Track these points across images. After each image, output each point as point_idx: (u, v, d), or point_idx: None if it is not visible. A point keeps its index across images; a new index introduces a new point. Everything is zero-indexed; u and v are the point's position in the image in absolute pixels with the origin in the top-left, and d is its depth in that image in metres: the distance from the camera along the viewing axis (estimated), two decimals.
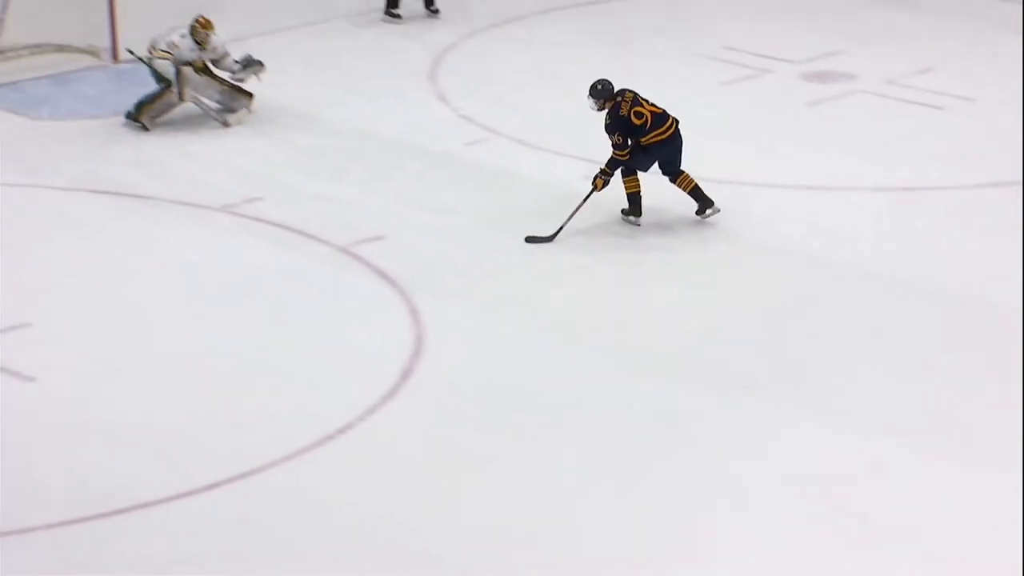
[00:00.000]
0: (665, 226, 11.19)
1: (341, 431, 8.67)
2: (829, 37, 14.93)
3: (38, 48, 13.82)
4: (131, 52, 13.16)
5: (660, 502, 8.14)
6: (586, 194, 11.04)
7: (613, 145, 10.95)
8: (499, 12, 15.55)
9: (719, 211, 11.13)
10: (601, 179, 11.03)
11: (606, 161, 11.04)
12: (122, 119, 12.82)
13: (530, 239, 10.85)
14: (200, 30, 12.84)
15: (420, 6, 15.47)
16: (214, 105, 12.87)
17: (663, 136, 11.00)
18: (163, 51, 12.79)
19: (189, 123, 12.88)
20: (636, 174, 11.08)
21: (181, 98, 12.82)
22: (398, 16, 15.38)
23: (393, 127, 12.86)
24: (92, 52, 14.07)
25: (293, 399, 9.02)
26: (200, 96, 12.85)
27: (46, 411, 8.83)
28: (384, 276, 10.38)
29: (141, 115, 12.72)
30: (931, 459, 8.47)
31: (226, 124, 12.86)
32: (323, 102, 13.29)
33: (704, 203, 11.14)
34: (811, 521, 7.98)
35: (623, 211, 11.18)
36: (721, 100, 13.66)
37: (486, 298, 10.21)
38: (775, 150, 12.62)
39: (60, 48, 13.93)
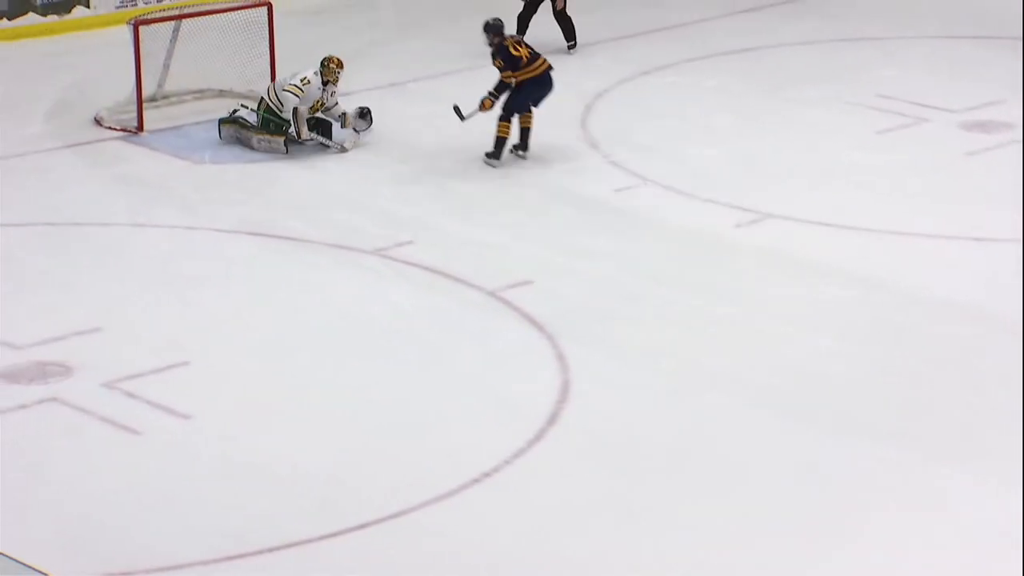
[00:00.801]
0: (812, 276, 11.10)
1: (487, 475, 8.72)
2: (987, 86, 14.69)
3: (200, 93, 14.17)
4: (243, 107, 13.37)
5: (810, 556, 8.06)
6: (475, 109, 12.81)
7: (499, 70, 12.94)
8: (651, 59, 15.59)
9: (524, 158, 12.83)
10: (489, 100, 12.88)
11: (494, 85, 12.87)
12: (279, 162, 13.07)
13: (456, 109, 12.89)
14: (334, 68, 13.09)
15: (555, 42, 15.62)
16: (324, 140, 13.14)
17: (535, 73, 12.90)
18: (293, 86, 13.05)
19: (344, 166, 13.11)
20: (510, 121, 12.89)
21: (299, 136, 13.10)
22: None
23: (544, 173, 12.94)
24: (252, 98, 14.39)
25: (440, 442, 9.10)
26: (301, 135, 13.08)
27: (200, 449, 9.02)
28: (532, 321, 10.44)
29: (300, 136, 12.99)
30: None
31: (340, 150, 13.12)
32: (475, 147, 13.42)
33: (524, 144, 12.96)
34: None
35: (487, 153, 12.87)
36: (877, 149, 13.52)
37: (634, 346, 10.20)
38: (932, 200, 12.44)
39: (221, 94, 14.27)
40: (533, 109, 12.99)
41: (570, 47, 15.71)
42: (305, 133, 13.17)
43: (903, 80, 14.95)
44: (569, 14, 15.74)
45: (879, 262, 11.26)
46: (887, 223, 11.90)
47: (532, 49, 13.08)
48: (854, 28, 16.57)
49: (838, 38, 16.27)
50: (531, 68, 12.95)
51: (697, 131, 13.92)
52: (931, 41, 16.24)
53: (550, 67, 13.00)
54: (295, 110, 13.12)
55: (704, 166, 13.10)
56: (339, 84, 13.26)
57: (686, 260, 11.39)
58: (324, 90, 13.21)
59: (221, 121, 13.40)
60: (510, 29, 15.30)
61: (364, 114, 13.43)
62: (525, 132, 13.02)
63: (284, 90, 13.18)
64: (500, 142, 12.93)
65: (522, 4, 15.70)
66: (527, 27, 15.62)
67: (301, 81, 13.15)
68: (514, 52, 12.89)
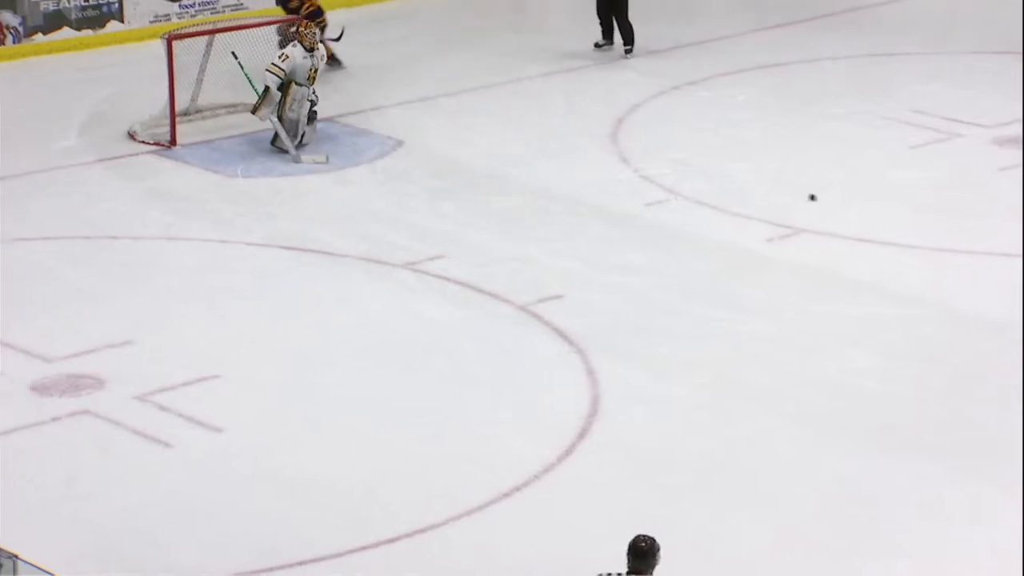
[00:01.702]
0: (850, 292, 11.06)
1: (517, 489, 8.71)
2: (1020, 101, 14.61)
3: (233, 108, 14.23)
4: (235, 55, 13.60)
5: (844, 572, 8.02)
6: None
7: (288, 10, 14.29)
8: (684, 73, 15.57)
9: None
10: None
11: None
12: (311, 176, 13.12)
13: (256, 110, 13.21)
14: (305, 32, 13.32)
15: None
16: (284, 134, 13.24)
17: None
18: (276, 66, 13.24)
19: (376, 180, 13.13)
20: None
21: (254, 112, 13.34)
22: (607, 46, 15.75)
23: (575, 187, 12.94)
24: None
25: (470, 456, 9.09)
26: (284, 118, 13.23)
27: (231, 462, 9.04)
28: (563, 335, 10.43)
29: (300, 158, 13.16)
30: None
31: (295, 160, 13.20)
32: (507, 161, 13.43)
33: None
34: None
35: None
36: (910, 164, 13.46)
37: (665, 360, 10.18)
38: (966, 215, 12.37)
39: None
40: None
41: (627, 51, 15.72)
42: (264, 113, 13.27)
43: (936, 95, 14.89)
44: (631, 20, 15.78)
45: (913, 277, 11.21)
46: (920, 238, 11.85)
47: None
48: (886, 43, 16.52)
49: (870, 53, 16.22)
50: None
51: (729, 145, 13.90)
52: (963, 56, 16.17)
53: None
54: (266, 88, 13.26)
55: (736, 181, 13.07)
56: (321, 48, 13.44)
57: (718, 275, 11.36)
58: (311, 57, 13.32)
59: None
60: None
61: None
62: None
63: (266, 70, 13.34)
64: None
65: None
66: (612, 29, 15.72)
67: (280, 58, 13.30)
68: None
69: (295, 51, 13.35)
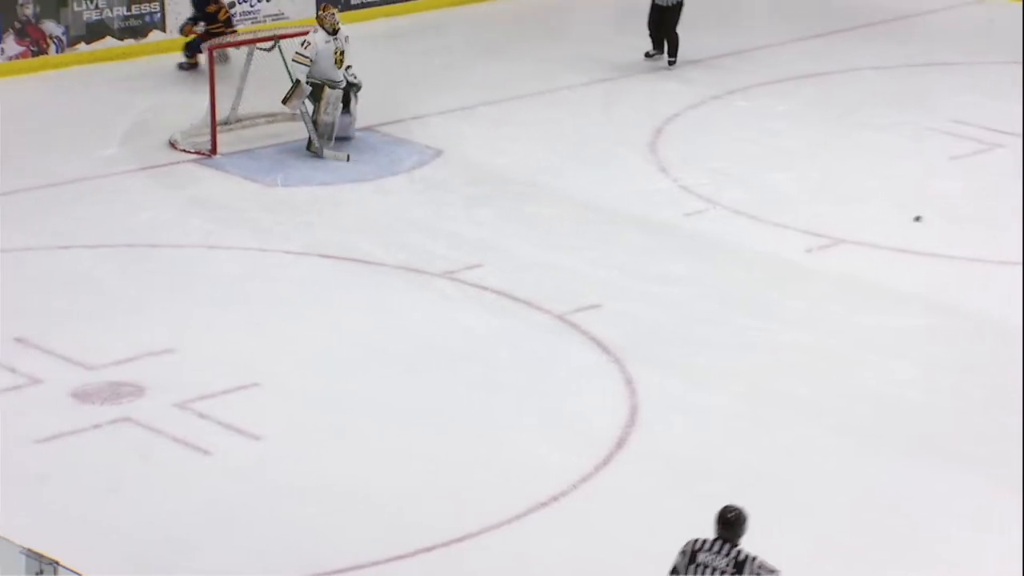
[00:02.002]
0: (890, 302, 11.02)
1: (554, 499, 8.71)
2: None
3: (272, 117, 14.29)
4: (280, 49, 13.69)
5: None
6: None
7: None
8: (723, 83, 15.55)
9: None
10: (189, 25, 14.96)
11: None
12: (350, 184, 13.17)
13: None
14: (324, 15, 13.45)
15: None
16: (312, 127, 13.37)
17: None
18: (300, 54, 13.39)
19: (415, 189, 13.16)
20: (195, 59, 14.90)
21: (284, 103, 13.42)
22: (657, 55, 15.77)
23: (613, 196, 12.94)
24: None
25: (507, 465, 9.10)
26: (319, 121, 13.39)
27: (270, 470, 9.07)
28: (600, 345, 10.42)
29: (324, 155, 13.33)
30: None
31: (318, 153, 13.37)
32: (545, 170, 13.44)
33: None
34: None
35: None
36: (950, 175, 13.40)
37: (703, 370, 10.16)
38: (1007, 226, 12.30)
39: (293, 117, 14.34)
40: None
41: (670, 63, 15.71)
42: (294, 104, 13.39)
43: (976, 106, 14.82)
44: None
45: (953, 288, 11.16)
46: (961, 249, 11.80)
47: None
48: (926, 53, 16.46)
49: (909, 63, 16.16)
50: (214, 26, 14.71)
51: (768, 155, 13.87)
52: (1003, 67, 16.08)
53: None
54: (297, 81, 13.38)
55: (776, 191, 13.04)
56: (341, 27, 13.54)
57: (757, 285, 11.34)
58: (334, 40, 13.40)
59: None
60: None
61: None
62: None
63: (292, 60, 13.44)
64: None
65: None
66: (662, 41, 15.71)
67: (303, 46, 13.43)
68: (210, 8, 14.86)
69: (317, 36, 13.47)
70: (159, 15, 16.34)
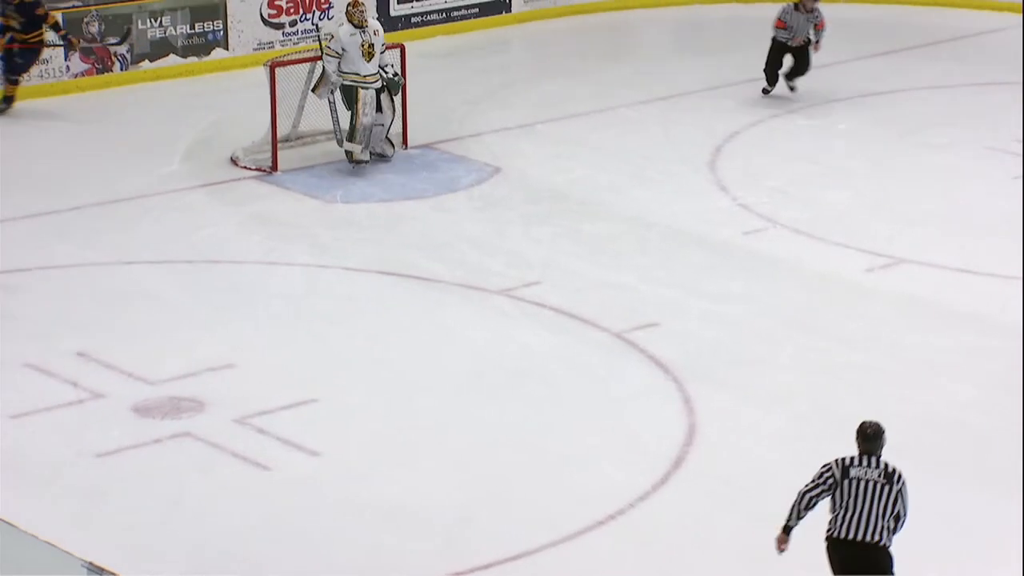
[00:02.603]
0: (951, 323, 10.93)
1: (612, 517, 8.70)
2: None
3: (332, 134, 14.36)
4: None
5: None
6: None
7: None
8: (782, 101, 15.50)
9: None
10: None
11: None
12: (409, 202, 13.23)
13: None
14: (352, 9, 13.48)
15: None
16: (337, 118, 13.55)
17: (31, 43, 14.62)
18: (328, 47, 13.50)
19: (473, 207, 13.20)
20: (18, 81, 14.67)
21: (313, 91, 13.57)
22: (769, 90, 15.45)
23: (672, 215, 12.92)
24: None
25: (565, 484, 9.09)
26: (357, 126, 13.46)
27: (329, 486, 9.11)
28: (659, 363, 10.41)
29: (353, 155, 13.47)
30: None
31: (340, 144, 13.53)
32: (604, 188, 13.45)
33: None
34: None
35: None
36: (1013, 194, 13.28)
37: (761, 389, 10.13)
38: None
39: None
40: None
41: (791, 88, 15.51)
42: (322, 91, 13.54)
43: None
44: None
45: (1015, 309, 11.05)
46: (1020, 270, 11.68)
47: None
48: (987, 72, 16.35)
49: (971, 82, 16.06)
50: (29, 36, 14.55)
51: (828, 174, 13.81)
52: None
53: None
54: (323, 71, 13.51)
55: (836, 210, 12.99)
56: (369, 20, 13.59)
57: (817, 304, 11.29)
58: (361, 33, 13.46)
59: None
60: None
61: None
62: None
63: (324, 55, 13.54)
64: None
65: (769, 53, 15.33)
66: (777, 78, 15.33)
67: (327, 38, 13.54)
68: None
69: (341, 29, 13.57)
70: (221, 33, 16.49)
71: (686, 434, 9.52)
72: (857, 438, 7.46)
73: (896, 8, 18.52)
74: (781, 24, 15.29)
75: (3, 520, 7.30)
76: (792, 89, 15.52)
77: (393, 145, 13.96)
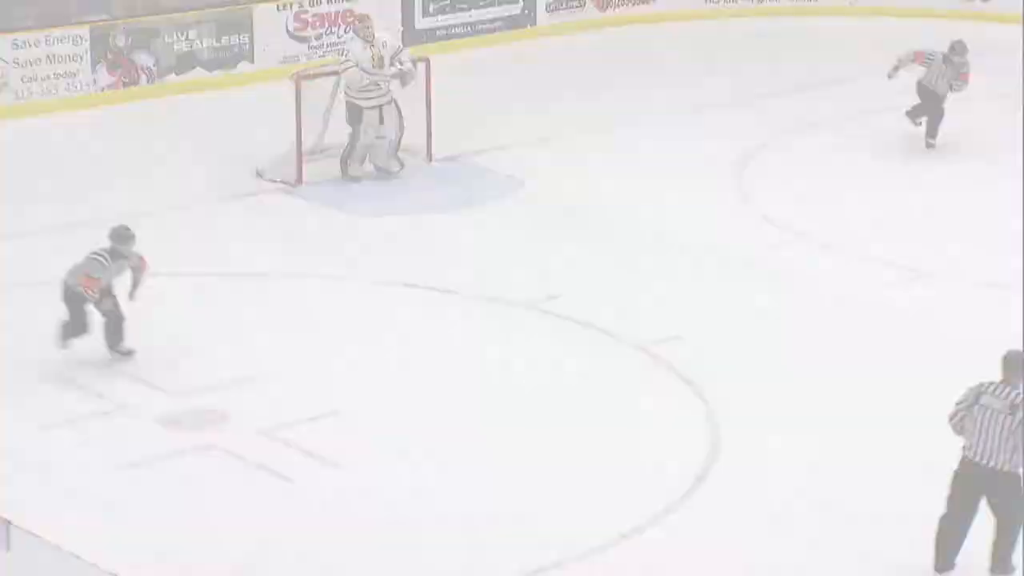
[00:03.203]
0: (977, 338, 10.87)
1: (635, 530, 8.68)
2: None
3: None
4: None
5: None
6: None
7: None
8: (809, 115, 15.46)
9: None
10: None
11: None
12: (433, 215, 13.25)
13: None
14: (359, 25, 13.99)
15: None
16: (327, 119, 13.79)
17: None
18: (344, 62, 13.79)
19: (498, 220, 13.21)
20: None
21: (334, 97, 13.86)
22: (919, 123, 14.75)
23: (697, 228, 12.90)
24: (409, 151, 14.56)
25: (587, 499, 9.08)
26: (357, 144, 13.70)
27: (352, 497, 9.12)
28: (682, 377, 10.39)
29: (348, 170, 13.70)
30: None
31: (344, 171, 13.71)
32: (630, 201, 13.43)
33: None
34: None
35: None
36: None
37: (785, 402, 10.09)
38: None
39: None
40: None
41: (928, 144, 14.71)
42: (329, 105, 13.81)
43: None
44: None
45: None
46: None
47: None
48: (1013, 85, 16.27)
49: (998, 95, 15.98)
50: None
51: (854, 188, 13.78)
52: None
53: None
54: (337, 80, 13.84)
55: (861, 223, 12.95)
56: (378, 34, 13.91)
57: (841, 317, 11.25)
58: (371, 47, 13.77)
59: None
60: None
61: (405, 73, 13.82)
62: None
63: (344, 71, 13.82)
64: None
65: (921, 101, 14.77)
66: (921, 119, 14.70)
67: (343, 58, 13.92)
68: None
69: (354, 44, 13.95)
70: (247, 46, 16.55)
71: (709, 447, 9.49)
72: (1001, 365, 7.82)
73: (926, 21, 18.41)
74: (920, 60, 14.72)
75: (29, 531, 7.33)
76: (917, 124, 14.72)
77: (401, 162, 13.97)
